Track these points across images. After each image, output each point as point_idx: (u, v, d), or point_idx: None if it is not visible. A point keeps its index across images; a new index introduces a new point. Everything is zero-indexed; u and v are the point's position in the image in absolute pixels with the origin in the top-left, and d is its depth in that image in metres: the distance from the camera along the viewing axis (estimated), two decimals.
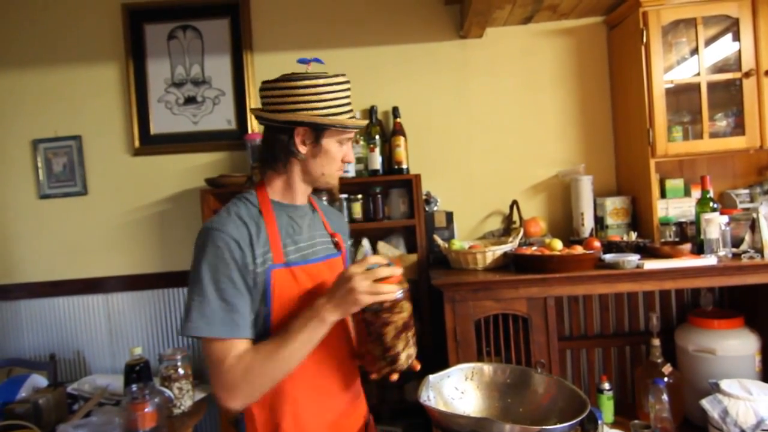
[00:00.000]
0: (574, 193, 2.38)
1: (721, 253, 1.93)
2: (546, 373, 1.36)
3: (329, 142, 1.16)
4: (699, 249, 2.01)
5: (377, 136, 2.38)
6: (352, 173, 2.35)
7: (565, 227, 2.49)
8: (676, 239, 2.17)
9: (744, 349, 1.97)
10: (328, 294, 1.07)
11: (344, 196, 2.36)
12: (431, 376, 1.31)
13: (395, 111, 2.43)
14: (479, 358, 1.93)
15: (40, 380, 2.20)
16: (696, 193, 2.26)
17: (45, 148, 2.57)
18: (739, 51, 2.13)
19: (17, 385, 2.11)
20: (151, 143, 2.56)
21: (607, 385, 2.10)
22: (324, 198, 2.28)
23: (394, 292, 1.07)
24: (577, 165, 2.47)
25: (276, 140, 1.16)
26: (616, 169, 2.51)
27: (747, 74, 2.12)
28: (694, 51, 2.16)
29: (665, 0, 2.11)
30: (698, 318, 2.07)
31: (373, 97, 2.49)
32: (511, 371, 1.36)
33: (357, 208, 2.36)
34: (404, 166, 2.37)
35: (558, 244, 2.03)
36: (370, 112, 2.44)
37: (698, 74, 2.14)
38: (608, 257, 1.97)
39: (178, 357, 2.09)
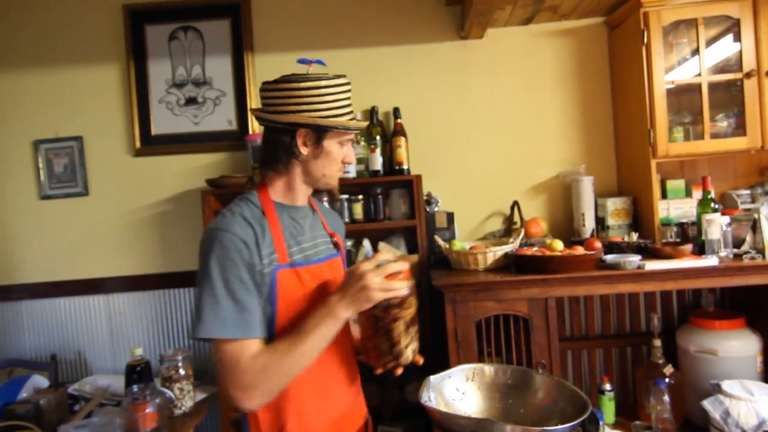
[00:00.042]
0: (575, 193, 2.38)
1: (723, 253, 1.93)
2: (547, 374, 1.36)
3: (330, 143, 1.17)
4: (700, 250, 2.00)
5: (378, 137, 2.38)
6: (353, 174, 2.35)
7: (566, 228, 2.49)
8: (678, 240, 2.17)
9: (745, 350, 1.97)
10: (340, 292, 1.08)
11: (345, 196, 2.36)
12: (432, 377, 1.31)
13: (396, 112, 2.43)
14: (480, 359, 1.92)
15: (41, 381, 2.20)
16: (697, 194, 2.25)
17: (46, 148, 2.58)
18: (740, 51, 2.12)
19: (18, 385, 2.12)
20: (152, 144, 2.56)
21: (608, 386, 2.09)
22: (325, 199, 2.29)
23: (404, 288, 1.09)
24: (578, 165, 2.47)
25: (277, 141, 1.16)
26: (617, 169, 2.51)
27: (748, 75, 2.12)
28: (695, 51, 2.16)
29: (666, 1, 2.11)
30: (699, 319, 2.07)
31: (374, 97, 2.50)
32: (512, 372, 1.36)
33: (358, 209, 2.36)
34: (405, 167, 2.37)
35: (559, 245, 2.03)
36: (371, 113, 2.45)
37: (699, 75, 2.14)
38: (609, 258, 1.97)
39: (179, 358, 2.09)
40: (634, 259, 1.90)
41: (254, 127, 2.52)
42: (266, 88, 1.16)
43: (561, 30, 2.51)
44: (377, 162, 2.37)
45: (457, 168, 2.54)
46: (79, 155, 2.57)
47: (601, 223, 2.35)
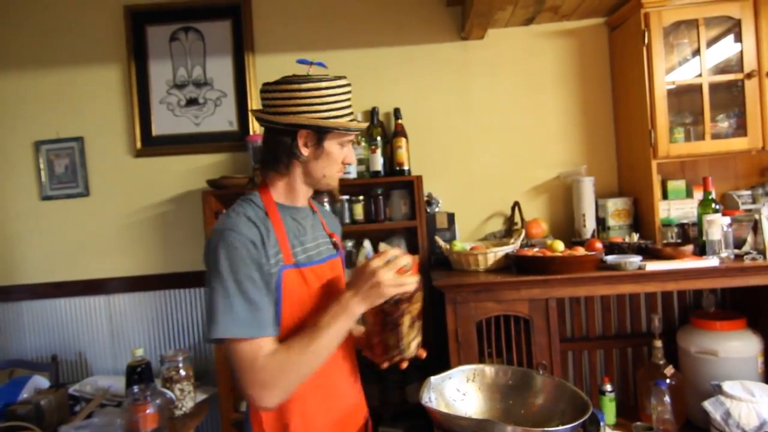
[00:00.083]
0: (576, 194, 2.38)
1: (724, 254, 1.93)
2: (548, 375, 1.36)
3: (331, 144, 1.18)
4: (701, 250, 2.00)
5: (379, 138, 2.38)
6: (353, 174, 2.35)
7: (567, 228, 2.49)
8: (678, 240, 2.16)
9: (746, 351, 1.97)
10: (353, 288, 1.10)
11: (346, 197, 2.36)
12: (433, 378, 1.32)
13: (397, 112, 2.43)
14: (481, 360, 1.92)
15: (41, 381, 2.21)
16: (698, 195, 2.25)
17: (47, 149, 2.58)
18: (741, 52, 2.12)
19: (19, 386, 2.12)
20: (152, 145, 2.57)
21: (609, 387, 2.09)
22: (325, 199, 2.29)
23: (414, 282, 1.12)
24: (579, 166, 2.47)
25: (278, 142, 1.17)
26: (617, 170, 2.51)
27: (749, 75, 2.11)
28: (696, 52, 2.16)
29: (667, 1, 2.11)
30: (700, 319, 2.06)
31: (375, 98, 2.50)
32: (512, 373, 1.36)
33: (358, 210, 2.36)
34: (406, 168, 2.37)
35: (559, 246, 2.02)
36: (372, 114, 2.45)
37: (700, 75, 2.14)
38: (610, 258, 1.97)
39: (180, 358, 2.09)
40: (635, 259, 1.90)
41: (255, 127, 2.52)
42: (267, 89, 1.16)
43: (562, 31, 2.51)
44: (378, 163, 2.37)
45: (457, 169, 2.54)
46: (80, 156, 2.57)
47: (601, 223, 2.35)
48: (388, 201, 2.41)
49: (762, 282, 1.86)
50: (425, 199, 2.39)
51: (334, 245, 1.33)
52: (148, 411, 1.79)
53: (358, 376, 1.33)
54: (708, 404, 1.81)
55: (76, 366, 2.60)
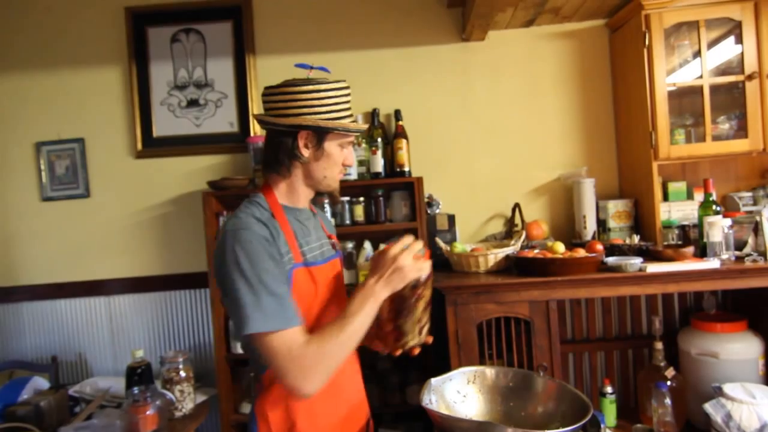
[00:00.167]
0: (577, 195, 2.38)
1: (724, 256, 1.93)
2: (548, 377, 1.36)
3: (331, 145, 1.20)
4: (702, 252, 2.00)
5: (379, 139, 2.38)
6: (354, 176, 2.35)
7: (568, 230, 2.49)
8: (679, 242, 2.16)
9: (747, 353, 1.97)
10: (375, 274, 1.14)
11: (346, 198, 2.36)
12: (433, 380, 1.31)
13: (397, 114, 2.43)
14: (481, 362, 1.92)
15: (41, 382, 2.21)
16: (699, 196, 2.25)
17: (48, 150, 2.58)
18: (742, 54, 2.12)
19: (19, 387, 2.12)
20: (153, 146, 2.57)
21: (609, 389, 2.09)
22: (326, 201, 2.29)
23: (429, 266, 1.18)
24: (580, 168, 2.47)
25: (279, 143, 1.19)
26: (618, 171, 2.51)
27: (750, 77, 2.11)
28: (697, 54, 2.16)
29: (667, 3, 2.11)
30: (701, 321, 2.06)
31: (376, 99, 2.50)
32: (513, 375, 1.36)
33: (359, 211, 2.36)
34: (406, 169, 2.37)
35: (560, 247, 2.02)
36: (372, 115, 2.45)
37: (701, 77, 2.14)
38: (611, 260, 1.97)
39: (180, 360, 2.09)
40: (636, 261, 1.90)
41: (255, 129, 2.53)
42: (268, 92, 1.19)
43: (562, 32, 2.51)
44: (378, 164, 2.37)
45: (458, 170, 2.54)
46: (81, 157, 2.58)
47: (602, 225, 2.35)
48: (388, 202, 2.41)
49: (763, 284, 1.86)
50: (426, 200, 2.39)
51: (333, 246, 1.36)
52: (148, 412, 1.79)
53: (360, 375, 1.35)
54: (709, 406, 1.81)
55: (76, 367, 2.60)
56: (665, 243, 2.16)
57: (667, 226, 2.20)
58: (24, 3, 2.58)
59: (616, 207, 2.32)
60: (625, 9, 2.25)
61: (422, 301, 1.19)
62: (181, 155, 2.57)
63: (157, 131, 2.57)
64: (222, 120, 2.56)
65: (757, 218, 1.98)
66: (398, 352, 1.24)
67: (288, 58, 2.53)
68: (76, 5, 2.57)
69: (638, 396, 2.17)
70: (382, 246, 1.21)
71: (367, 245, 2.38)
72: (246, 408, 2.34)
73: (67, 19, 2.57)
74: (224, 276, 1.08)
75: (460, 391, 1.34)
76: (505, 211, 2.51)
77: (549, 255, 1.97)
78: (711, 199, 2.03)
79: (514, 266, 2.08)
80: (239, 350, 2.31)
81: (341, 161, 1.23)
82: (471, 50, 2.53)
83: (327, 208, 2.32)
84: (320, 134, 1.18)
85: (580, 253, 1.96)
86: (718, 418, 1.77)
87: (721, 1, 2.11)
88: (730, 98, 2.24)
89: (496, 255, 2.07)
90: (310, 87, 1.14)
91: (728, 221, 1.97)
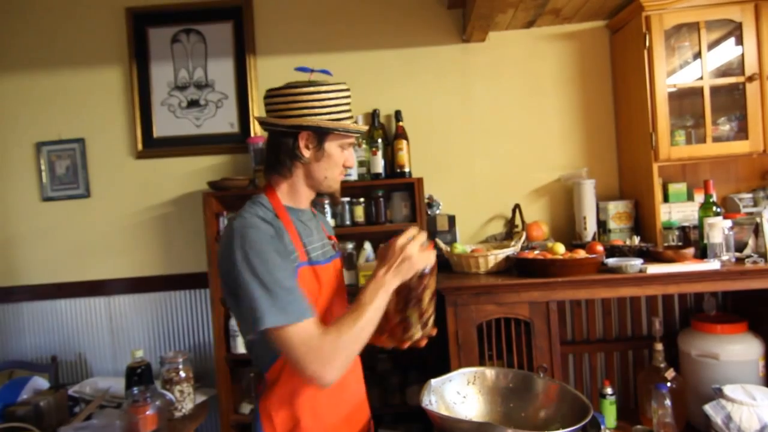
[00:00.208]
0: (577, 196, 2.38)
1: (725, 257, 1.93)
2: (548, 378, 1.36)
3: (331, 146, 1.21)
4: (702, 253, 2.00)
5: (380, 140, 2.38)
6: (354, 176, 2.35)
7: (568, 231, 2.49)
8: (679, 243, 2.16)
9: (747, 354, 1.96)
10: (385, 265, 1.16)
11: (346, 199, 2.36)
12: (433, 381, 1.31)
13: (398, 114, 2.43)
14: (481, 363, 1.92)
15: (41, 382, 2.21)
16: (699, 198, 2.25)
17: (48, 150, 2.58)
18: (742, 55, 2.12)
19: (19, 387, 2.12)
20: (153, 146, 2.57)
21: (609, 390, 2.09)
22: (326, 202, 2.29)
23: (434, 256, 1.21)
24: (580, 169, 2.47)
25: (280, 144, 1.20)
26: (618, 172, 2.51)
27: (750, 78, 2.11)
28: (697, 55, 2.16)
29: (668, 4, 2.11)
30: (701, 323, 2.06)
31: (376, 100, 2.50)
32: (513, 376, 1.36)
33: (359, 212, 2.36)
34: (406, 170, 2.37)
35: (560, 248, 2.02)
36: (373, 116, 2.45)
37: (701, 78, 2.14)
38: (611, 261, 1.97)
39: (180, 360, 2.09)
40: (636, 262, 1.90)
41: (256, 129, 2.53)
42: (270, 95, 1.21)
43: (563, 33, 2.51)
44: (379, 165, 2.37)
45: (458, 171, 2.54)
46: (81, 157, 2.58)
47: (602, 226, 2.35)
48: (388, 203, 2.41)
49: (763, 285, 1.86)
50: (426, 201, 2.39)
51: (333, 247, 1.38)
52: (147, 412, 1.79)
53: (362, 375, 1.37)
54: (709, 408, 1.81)
55: (75, 367, 2.59)
56: (665, 244, 2.16)
57: (668, 227, 2.19)
58: (24, 3, 2.58)
59: (616, 208, 2.32)
60: (625, 10, 2.25)
61: (429, 291, 1.21)
62: (182, 156, 2.57)
63: (158, 131, 2.57)
64: (222, 120, 2.57)
65: (758, 220, 1.98)
66: (406, 345, 1.25)
67: (288, 58, 2.53)
68: (76, 5, 2.58)
69: (638, 397, 2.17)
70: (382, 246, 1.22)
71: (368, 246, 2.38)
72: (246, 408, 2.34)
73: (67, 20, 2.58)
74: (234, 276, 1.08)
75: (460, 392, 1.34)
76: (505, 212, 2.51)
77: (549, 256, 1.97)
78: (711, 200, 2.03)
79: (514, 267, 2.08)
80: (239, 351, 2.31)
81: (342, 162, 1.25)
82: (471, 51, 2.53)
83: (327, 208, 2.32)
84: (321, 135, 1.19)
85: (581, 254, 1.96)
86: (718, 419, 1.76)
87: (722, 3, 2.11)
88: (730, 99, 2.24)
89: (496, 256, 2.07)
90: (311, 89, 1.16)
91: (728, 222, 1.97)
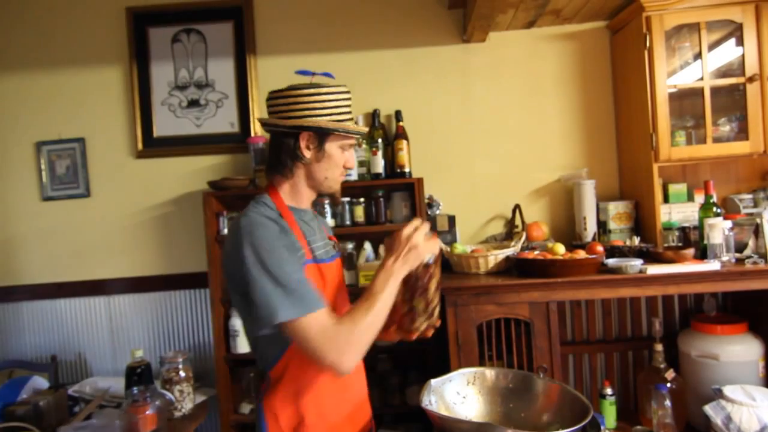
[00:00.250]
0: (577, 197, 2.38)
1: (725, 258, 1.92)
2: (548, 378, 1.36)
3: (332, 147, 1.23)
4: (702, 254, 2.00)
5: (380, 140, 2.38)
6: (354, 176, 2.35)
7: (568, 231, 2.48)
8: (679, 244, 2.16)
9: (747, 355, 1.96)
10: (393, 255, 1.18)
11: (347, 199, 2.36)
12: (433, 381, 1.31)
13: (398, 114, 2.43)
14: (481, 363, 1.92)
15: (41, 382, 2.21)
16: (699, 198, 2.25)
17: (48, 150, 2.58)
18: (743, 56, 2.12)
19: (18, 386, 2.12)
20: (154, 146, 2.57)
21: (609, 391, 2.09)
22: (326, 202, 2.29)
23: (439, 246, 1.24)
24: (580, 169, 2.47)
25: (281, 145, 1.22)
26: (619, 173, 2.50)
27: (750, 79, 2.11)
28: (698, 56, 2.16)
29: (668, 5, 2.11)
30: (701, 323, 2.06)
31: (376, 100, 2.50)
32: (513, 376, 1.36)
33: (359, 212, 2.36)
34: (407, 170, 2.37)
35: (560, 249, 2.02)
36: (373, 116, 2.45)
37: (701, 79, 2.14)
38: (611, 262, 1.97)
39: (179, 360, 2.09)
40: (636, 263, 1.89)
41: (256, 129, 2.53)
42: (272, 96, 1.23)
43: (563, 34, 2.51)
44: (379, 165, 2.37)
45: (458, 171, 2.54)
46: (81, 157, 2.58)
47: (602, 226, 2.35)
48: (388, 203, 2.41)
49: (763, 286, 1.86)
50: (426, 201, 2.39)
51: (334, 247, 1.39)
52: (147, 412, 1.79)
53: (365, 374, 1.38)
54: (709, 408, 1.81)
55: (75, 367, 2.59)
56: (665, 245, 2.16)
57: (668, 227, 2.19)
58: (24, 3, 2.58)
59: (616, 208, 2.32)
60: (626, 11, 2.25)
61: (434, 280, 1.23)
62: (182, 155, 2.57)
63: (158, 131, 2.57)
64: (223, 120, 2.56)
65: (758, 220, 1.98)
66: (413, 335, 1.26)
67: (289, 58, 2.53)
68: (76, 5, 2.58)
69: (638, 398, 2.17)
70: (382, 248, 1.23)
71: (368, 246, 2.38)
72: (245, 408, 2.34)
73: (67, 19, 2.58)
74: (243, 273, 1.09)
75: (459, 393, 1.34)
76: (505, 212, 2.51)
77: (549, 256, 1.97)
78: (711, 201, 2.03)
79: (514, 267, 2.08)
80: (239, 351, 2.31)
81: (342, 163, 1.26)
82: (472, 51, 2.53)
83: (327, 209, 2.32)
84: (321, 136, 1.21)
85: (581, 254, 1.96)
86: (718, 420, 1.76)
87: (722, 3, 2.10)
88: (730, 100, 2.24)
89: (496, 256, 2.07)
90: (312, 90, 1.18)
91: (729, 223, 1.97)
